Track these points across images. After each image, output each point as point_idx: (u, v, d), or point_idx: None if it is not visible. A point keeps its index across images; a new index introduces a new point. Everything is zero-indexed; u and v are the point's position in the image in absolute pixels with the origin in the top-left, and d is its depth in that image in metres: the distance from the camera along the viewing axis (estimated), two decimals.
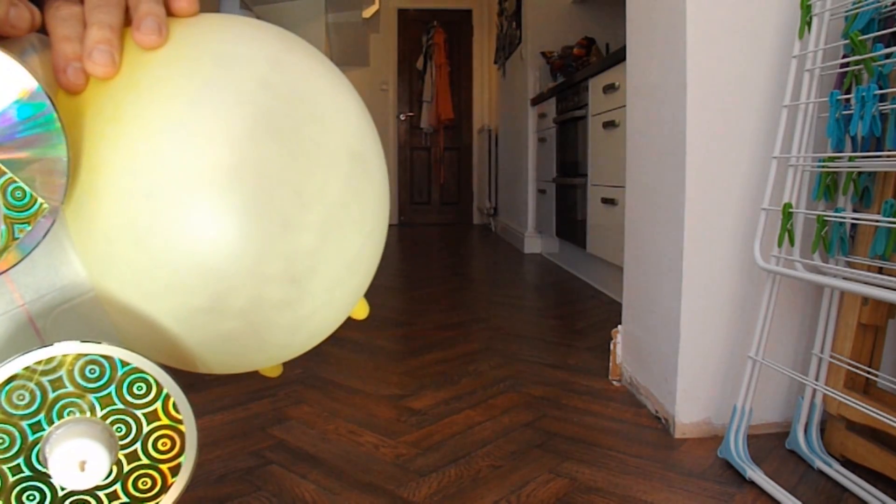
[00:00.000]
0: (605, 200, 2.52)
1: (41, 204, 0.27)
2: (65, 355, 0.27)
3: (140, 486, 0.29)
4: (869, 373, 1.10)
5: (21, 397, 0.27)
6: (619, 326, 1.59)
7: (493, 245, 4.52)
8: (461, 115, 6.04)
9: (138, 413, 0.29)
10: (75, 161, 0.29)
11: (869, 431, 1.09)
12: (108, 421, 0.28)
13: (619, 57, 2.32)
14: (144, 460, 0.29)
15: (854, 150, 1.08)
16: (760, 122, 1.23)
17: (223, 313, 0.32)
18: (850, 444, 1.10)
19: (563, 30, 3.85)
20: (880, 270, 1.06)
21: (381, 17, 5.71)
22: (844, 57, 1.07)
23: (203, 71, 0.31)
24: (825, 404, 1.14)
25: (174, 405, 0.30)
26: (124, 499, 0.29)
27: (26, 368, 0.27)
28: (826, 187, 1.10)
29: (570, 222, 3.11)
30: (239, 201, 0.30)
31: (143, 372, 0.29)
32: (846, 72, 1.07)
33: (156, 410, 0.29)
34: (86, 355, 0.28)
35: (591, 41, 3.58)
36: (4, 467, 0.27)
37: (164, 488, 0.30)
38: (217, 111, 0.30)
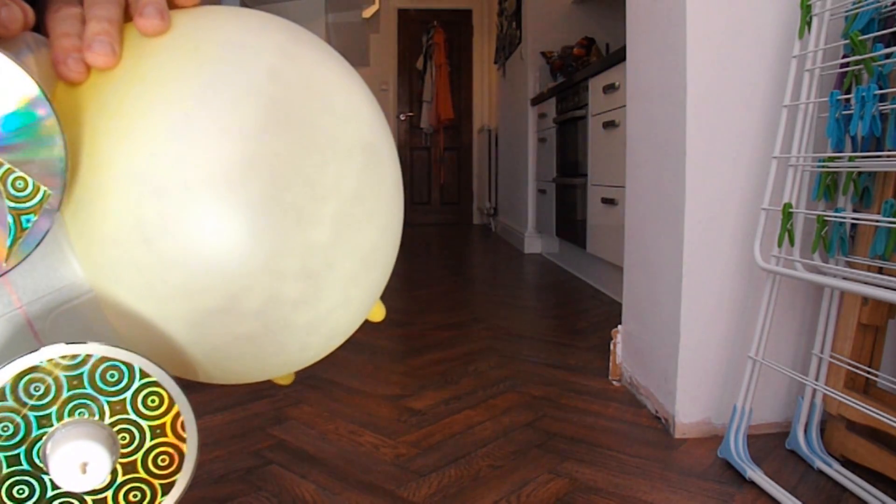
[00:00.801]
0: (605, 200, 2.52)
1: (45, 192, 0.26)
2: (89, 355, 0.27)
3: (130, 497, 0.29)
4: (869, 373, 1.10)
5: (37, 388, 0.26)
6: (619, 326, 1.59)
7: (493, 245, 4.52)
8: (461, 115, 6.04)
9: (145, 425, 0.29)
10: (76, 158, 0.28)
11: (869, 431, 1.09)
12: (115, 428, 0.28)
13: (619, 57, 2.32)
14: (141, 473, 0.29)
15: (854, 150, 1.08)
16: (760, 122, 1.23)
17: (239, 314, 0.30)
18: (850, 444, 1.10)
19: (563, 30, 3.85)
20: (880, 270, 1.06)
21: (381, 17, 5.71)
22: (844, 57, 1.07)
23: (211, 62, 0.30)
24: (825, 404, 1.14)
25: (182, 424, 0.29)
26: None
27: (50, 361, 0.27)
28: (826, 187, 1.10)
29: (570, 222, 3.11)
30: (252, 196, 0.29)
31: (160, 385, 0.29)
32: (846, 72, 1.07)
33: (163, 426, 0.29)
34: (110, 359, 0.28)
35: (591, 41, 3.58)
36: (2, 456, 0.26)
37: (155, 502, 0.30)
38: (227, 103, 0.29)
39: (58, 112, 0.27)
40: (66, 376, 0.27)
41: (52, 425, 0.27)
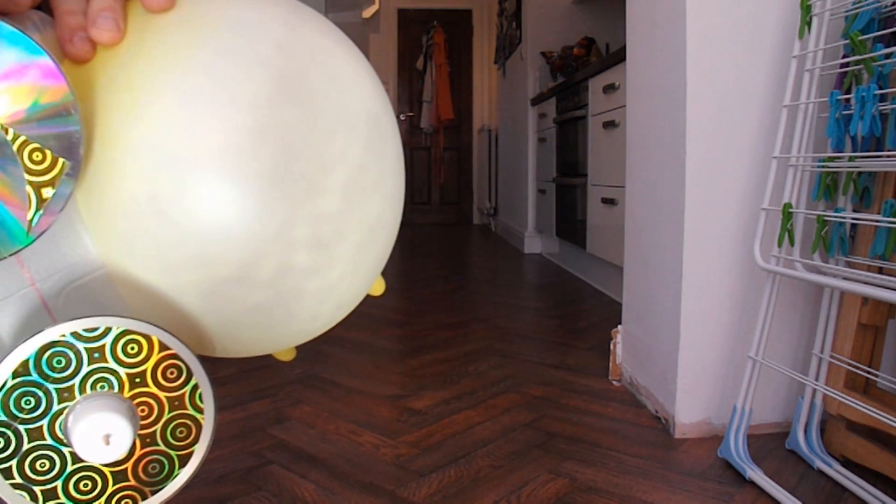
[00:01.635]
0: (605, 200, 2.52)
1: (63, 163, 0.27)
2: (109, 328, 0.28)
3: (150, 469, 0.29)
4: (869, 373, 1.10)
5: (59, 362, 0.27)
6: (619, 326, 1.59)
7: (493, 245, 4.52)
8: (461, 115, 6.04)
9: (164, 397, 0.29)
10: (87, 134, 0.29)
11: (869, 431, 1.09)
12: (135, 401, 0.28)
13: (619, 57, 2.32)
14: (160, 445, 0.29)
15: (854, 150, 1.08)
16: (760, 122, 1.23)
17: (251, 284, 0.31)
18: (850, 444, 1.10)
19: (563, 30, 3.85)
20: (880, 270, 1.06)
21: (381, 17, 5.72)
22: (844, 57, 1.07)
23: (218, 35, 0.30)
24: (825, 404, 1.14)
25: (200, 395, 0.30)
26: (132, 481, 0.29)
27: (73, 334, 0.27)
28: (826, 187, 1.10)
29: (570, 222, 3.11)
30: (264, 165, 0.29)
31: (178, 358, 0.29)
32: (846, 72, 1.07)
33: (182, 397, 0.29)
34: (131, 332, 0.28)
35: (591, 41, 3.58)
36: (24, 429, 0.27)
37: (171, 475, 0.30)
38: (236, 75, 0.30)
39: (73, 86, 0.27)
40: (87, 349, 0.27)
41: (73, 398, 0.27)
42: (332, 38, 0.35)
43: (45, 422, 0.27)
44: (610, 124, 2.47)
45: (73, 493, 0.28)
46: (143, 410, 0.29)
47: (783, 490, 1.00)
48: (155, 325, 0.29)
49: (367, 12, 4.41)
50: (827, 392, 1.08)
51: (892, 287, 0.90)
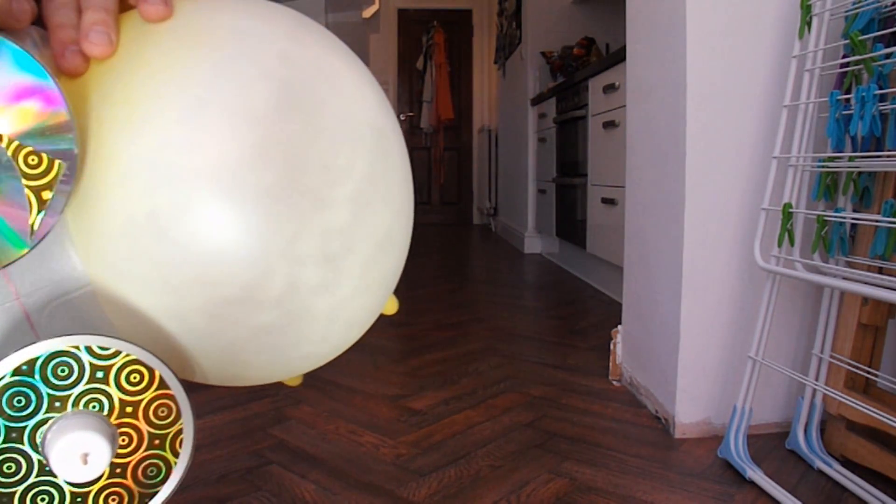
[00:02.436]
0: (605, 200, 2.52)
1: (59, 165, 0.26)
2: (119, 351, 0.27)
3: (109, 501, 0.29)
4: (869, 373, 1.10)
5: (63, 371, 0.27)
6: (619, 326, 1.59)
7: (493, 245, 4.52)
8: (461, 115, 6.04)
9: (146, 433, 0.29)
10: (82, 150, 0.28)
11: (869, 431, 1.09)
12: (120, 429, 0.28)
13: (619, 57, 2.32)
14: (127, 479, 0.29)
15: (854, 150, 1.08)
16: (760, 122, 1.23)
17: (258, 303, 0.30)
18: (850, 444, 1.10)
19: (563, 30, 3.85)
20: (880, 270, 1.06)
21: (381, 17, 5.71)
22: (844, 57, 1.07)
23: (219, 46, 0.29)
24: (825, 404, 1.14)
25: (180, 441, 0.29)
26: None
27: (88, 348, 0.27)
28: (826, 187, 1.10)
29: (570, 222, 3.11)
30: (268, 181, 0.28)
31: (174, 399, 0.29)
32: (846, 72, 1.07)
33: (164, 437, 0.29)
34: (139, 362, 0.28)
35: (591, 41, 3.58)
36: (4, 425, 0.26)
37: None
38: (239, 87, 0.29)
39: (71, 107, 0.26)
40: (92, 366, 0.27)
41: (63, 410, 0.27)
42: (335, 50, 0.34)
43: (28, 425, 0.26)
44: (610, 124, 2.47)
45: None
46: (123, 440, 0.28)
47: (783, 490, 1.00)
48: (162, 361, 0.28)
49: (367, 12, 4.41)
50: (827, 392, 1.08)
51: (892, 287, 0.90)
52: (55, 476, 0.27)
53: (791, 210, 1.08)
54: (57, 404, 0.27)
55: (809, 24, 1.12)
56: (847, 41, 1.04)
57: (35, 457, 0.27)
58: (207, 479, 1.10)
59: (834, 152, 1.09)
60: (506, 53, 4.70)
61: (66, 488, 0.28)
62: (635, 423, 1.33)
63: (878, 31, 1.02)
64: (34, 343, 0.26)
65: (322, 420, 1.35)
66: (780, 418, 1.28)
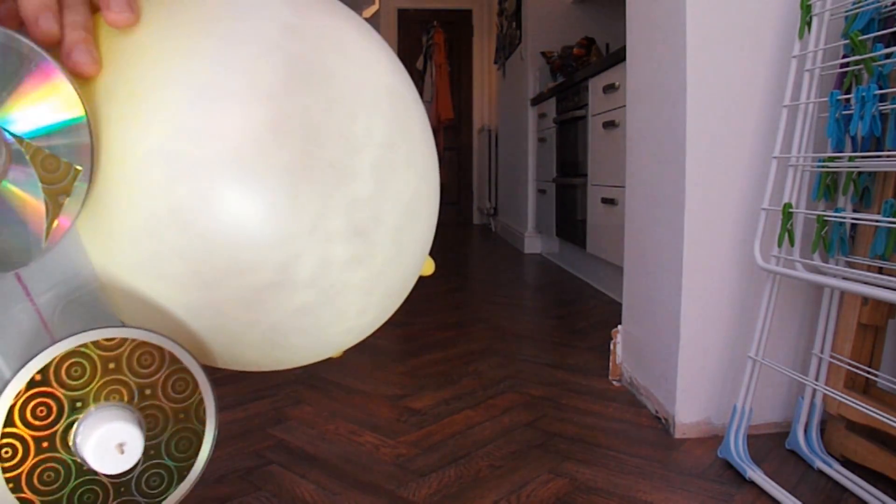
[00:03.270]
0: (605, 200, 2.52)
1: (75, 169, 0.26)
2: (125, 338, 0.27)
3: (151, 483, 0.29)
4: (869, 373, 1.10)
5: (76, 371, 0.27)
6: (619, 326, 1.59)
7: (493, 245, 4.52)
8: (461, 115, 6.04)
9: (170, 410, 0.29)
10: (95, 145, 0.27)
11: (869, 431, 1.09)
12: (144, 413, 0.28)
13: (619, 57, 2.32)
14: (163, 458, 0.29)
15: (854, 150, 1.08)
16: (760, 122, 1.23)
17: (292, 285, 0.29)
18: (850, 444, 1.10)
19: (563, 30, 3.85)
20: (880, 270, 1.06)
21: (381, 17, 5.72)
22: (844, 57, 1.07)
23: (219, 24, 0.28)
24: (825, 404, 1.14)
25: (203, 409, 0.30)
26: (134, 495, 0.29)
27: (95, 343, 0.27)
28: (826, 187, 1.10)
29: (570, 222, 3.11)
30: (288, 157, 0.27)
31: (188, 371, 0.29)
32: (846, 72, 1.07)
33: (187, 410, 0.29)
34: (146, 344, 0.28)
35: (591, 41, 3.58)
36: (34, 439, 0.26)
37: (169, 489, 0.30)
38: (245, 66, 0.27)
39: (84, 100, 0.26)
40: (102, 359, 0.27)
41: (86, 408, 0.27)
42: (341, 16, 0.33)
43: (57, 431, 0.27)
44: (610, 124, 2.47)
45: None
46: (150, 422, 0.28)
47: (783, 490, 1.00)
48: (168, 338, 0.28)
49: (367, 12, 4.41)
50: (827, 392, 1.08)
51: (892, 287, 0.90)
52: (95, 473, 0.27)
53: (791, 210, 1.08)
54: (78, 404, 0.27)
55: (809, 24, 1.12)
56: (847, 41, 1.04)
57: (71, 460, 0.27)
58: (207, 479, 1.09)
59: (834, 152, 1.09)
60: (506, 53, 4.70)
61: (108, 482, 0.28)
62: (635, 423, 1.33)
63: (878, 31, 1.02)
64: (42, 351, 0.26)
65: (322, 420, 1.35)
66: (780, 418, 1.28)
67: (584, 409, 1.41)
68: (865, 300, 1.09)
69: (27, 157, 0.25)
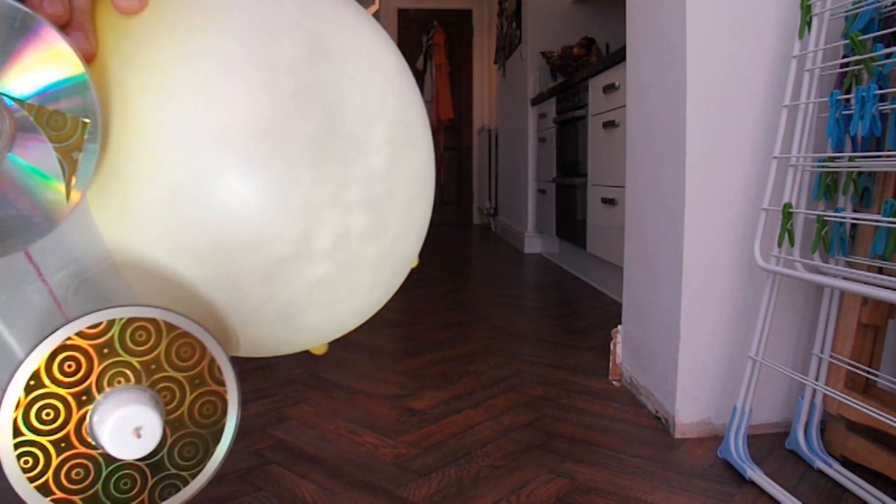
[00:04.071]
0: (605, 200, 2.52)
1: (83, 123, 0.25)
2: (112, 320, 0.26)
3: (185, 454, 0.28)
4: (869, 373, 1.10)
5: (70, 366, 0.26)
6: (619, 326, 1.59)
7: (493, 245, 4.52)
8: (461, 115, 6.04)
9: (183, 378, 0.28)
10: (105, 120, 0.27)
11: (869, 431, 1.09)
12: (156, 388, 0.28)
13: (619, 57, 2.32)
14: (190, 427, 0.28)
15: (854, 150, 1.08)
16: (760, 122, 1.23)
17: (311, 257, 0.29)
18: (850, 444, 1.10)
19: (563, 30, 3.85)
20: (880, 270, 1.06)
21: (381, 17, 5.71)
22: (844, 57, 1.07)
23: (242, 1, 0.29)
24: (825, 404, 1.14)
25: (218, 368, 0.29)
26: (170, 469, 0.28)
27: (79, 333, 0.26)
28: (826, 187, 1.10)
29: (570, 222, 3.11)
30: (312, 128, 0.28)
31: (189, 335, 0.28)
32: (846, 72, 1.07)
33: (201, 374, 0.28)
34: (136, 320, 0.27)
35: (591, 41, 3.58)
36: (49, 442, 0.26)
37: (208, 455, 0.29)
38: (269, 38, 0.28)
39: (84, 61, 0.25)
40: (95, 347, 0.26)
41: (93, 400, 0.26)
42: (349, 4, 0.34)
43: (69, 430, 0.26)
44: (610, 124, 2.47)
45: (115, 494, 0.27)
46: (165, 396, 0.28)
47: (783, 490, 1.00)
48: (158, 307, 0.27)
49: (367, 12, 4.41)
50: (827, 392, 1.08)
51: (892, 287, 0.90)
52: (123, 459, 0.27)
53: (791, 210, 1.08)
54: (84, 397, 0.26)
55: (809, 24, 1.12)
56: (847, 41, 1.04)
57: (96, 453, 0.27)
58: None
59: (834, 152, 1.09)
60: (506, 53, 4.70)
61: (140, 464, 0.27)
62: (635, 423, 1.33)
63: (878, 31, 1.02)
64: (28, 356, 0.25)
65: (322, 420, 1.35)
66: (780, 418, 1.28)
67: (584, 409, 1.41)
68: (865, 300, 1.09)
69: (32, 119, 0.25)
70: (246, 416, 1.36)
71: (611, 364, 1.59)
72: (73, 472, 0.26)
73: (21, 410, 0.25)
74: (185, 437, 0.29)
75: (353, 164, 0.30)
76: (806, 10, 1.11)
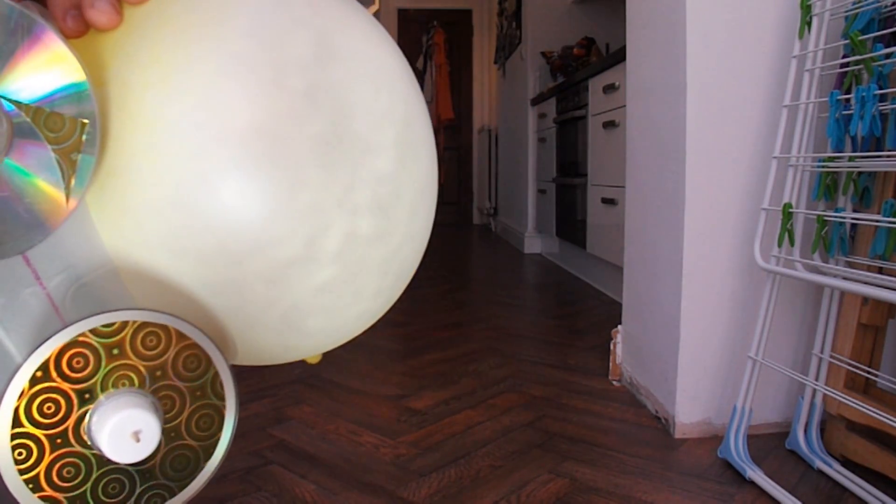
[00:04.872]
0: (605, 200, 2.52)
1: (82, 123, 0.25)
2: (126, 322, 0.26)
3: (176, 465, 0.28)
4: (869, 373, 1.10)
5: (79, 363, 0.26)
6: (619, 326, 1.59)
7: (493, 245, 4.52)
8: (461, 115, 6.04)
9: (185, 389, 0.28)
10: (105, 118, 0.26)
11: (869, 431, 1.09)
12: (158, 395, 0.27)
13: (619, 57, 2.32)
14: (185, 439, 0.28)
15: (854, 150, 1.08)
16: (760, 122, 1.23)
17: (318, 260, 0.29)
18: (850, 444, 1.10)
19: (563, 30, 3.85)
20: (880, 270, 1.06)
21: (382, 17, 5.71)
22: (844, 57, 1.07)
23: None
24: (825, 404, 1.14)
25: (220, 383, 0.29)
26: (159, 478, 0.28)
27: (93, 331, 0.26)
28: (826, 187, 1.10)
29: (570, 222, 3.11)
30: (320, 128, 0.28)
31: (197, 347, 0.28)
32: (846, 72, 1.07)
33: (203, 387, 0.28)
34: (149, 325, 0.27)
35: (591, 41, 3.58)
36: (46, 437, 0.25)
37: (197, 469, 0.29)
38: (278, 37, 0.27)
39: (85, 67, 0.25)
40: (105, 346, 0.26)
41: (95, 399, 0.26)
42: (351, 4, 0.34)
43: (67, 427, 0.26)
44: (610, 124, 2.47)
45: (102, 498, 0.27)
46: (165, 404, 0.27)
47: (783, 490, 1.00)
48: (172, 315, 0.27)
49: (368, 12, 4.41)
50: (827, 392, 1.08)
51: (892, 287, 0.90)
52: (116, 463, 0.26)
53: (791, 210, 1.08)
54: (87, 395, 0.26)
55: (809, 24, 1.12)
56: (847, 41, 1.04)
57: (90, 453, 0.26)
58: None
59: (834, 152, 1.09)
60: (506, 53, 4.70)
61: (131, 470, 0.27)
62: (635, 423, 1.33)
63: (878, 31, 1.02)
64: (38, 347, 0.25)
65: (322, 420, 1.35)
66: (780, 418, 1.28)
67: (585, 409, 1.41)
68: (865, 300, 1.09)
69: (29, 121, 0.24)
70: (246, 416, 1.36)
71: (611, 364, 1.59)
72: (65, 470, 0.26)
73: (25, 400, 0.25)
74: (179, 449, 0.28)
75: (361, 165, 0.29)
76: (806, 10, 1.11)
